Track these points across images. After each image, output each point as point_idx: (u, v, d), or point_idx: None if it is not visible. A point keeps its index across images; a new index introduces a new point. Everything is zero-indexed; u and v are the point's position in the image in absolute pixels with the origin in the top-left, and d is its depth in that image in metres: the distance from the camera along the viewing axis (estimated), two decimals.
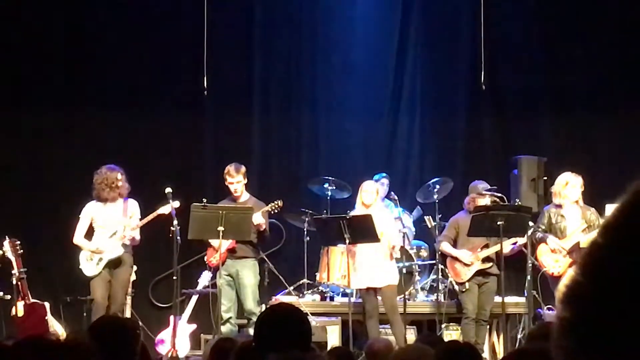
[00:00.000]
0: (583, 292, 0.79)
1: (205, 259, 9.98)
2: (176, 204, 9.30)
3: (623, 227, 0.79)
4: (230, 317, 9.53)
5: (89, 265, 9.38)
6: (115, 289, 9.36)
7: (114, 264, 9.38)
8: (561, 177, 9.57)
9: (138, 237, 9.47)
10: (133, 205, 9.54)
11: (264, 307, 9.55)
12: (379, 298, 9.48)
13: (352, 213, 9.49)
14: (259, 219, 9.41)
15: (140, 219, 9.46)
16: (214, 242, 9.43)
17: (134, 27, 11.52)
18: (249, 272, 9.56)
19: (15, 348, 1.84)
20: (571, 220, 9.48)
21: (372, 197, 9.55)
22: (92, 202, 9.51)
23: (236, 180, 9.62)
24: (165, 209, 9.32)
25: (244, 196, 9.75)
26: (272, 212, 9.73)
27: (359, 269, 9.38)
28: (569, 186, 9.46)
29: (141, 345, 4.04)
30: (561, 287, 0.83)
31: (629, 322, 0.74)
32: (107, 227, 9.42)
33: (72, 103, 11.39)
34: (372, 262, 9.35)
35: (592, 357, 0.76)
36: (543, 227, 9.53)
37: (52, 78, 11.38)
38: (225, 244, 9.46)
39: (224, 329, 9.41)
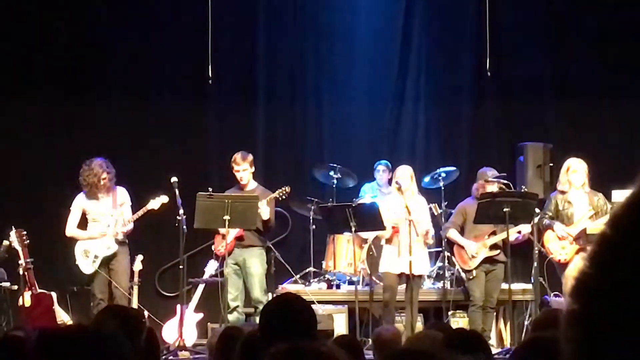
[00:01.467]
0: (592, 284, 0.78)
1: (212, 248, 9.98)
2: (164, 198, 9.33)
3: (632, 218, 0.78)
4: (237, 306, 9.53)
5: (85, 262, 9.42)
6: (117, 282, 9.36)
7: (110, 260, 9.40)
8: (565, 162, 9.57)
9: (131, 227, 9.48)
10: (122, 193, 9.55)
11: (270, 295, 9.56)
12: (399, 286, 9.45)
13: (385, 199, 9.50)
14: (263, 207, 9.39)
15: (131, 206, 9.49)
16: (221, 230, 9.43)
17: (138, 15, 11.50)
18: (256, 261, 9.56)
19: (40, 340, 1.82)
20: (578, 206, 9.46)
21: (407, 182, 9.48)
22: (82, 194, 9.56)
23: (242, 168, 9.61)
24: (155, 204, 9.34)
25: (251, 185, 9.74)
26: (280, 199, 9.72)
27: (401, 253, 9.28)
28: (570, 171, 9.45)
29: (150, 332, 4.04)
30: (570, 279, 0.82)
31: (637, 315, 0.73)
32: (99, 220, 9.46)
33: (77, 93, 11.38)
34: (413, 249, 9.25)
35: (601, 350, 0.75)
36: (550, 214, 9.52)
37: (58, 69, 11.37)
38: (232, 233, 9.46)
39: (231, 317, 9.42)
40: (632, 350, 0.73)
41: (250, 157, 9.71)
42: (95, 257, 9.36)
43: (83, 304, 9.83)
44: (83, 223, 9.58)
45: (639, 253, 0.75)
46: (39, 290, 9.56)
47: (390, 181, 10.43)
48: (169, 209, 9.40)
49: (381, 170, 10.80)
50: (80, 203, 9.56)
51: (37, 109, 11.33)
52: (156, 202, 9.35)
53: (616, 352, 0.74)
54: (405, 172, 9.55)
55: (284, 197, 9.70)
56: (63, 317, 9.56)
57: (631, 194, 0.80)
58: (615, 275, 0.76)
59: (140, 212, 9.43)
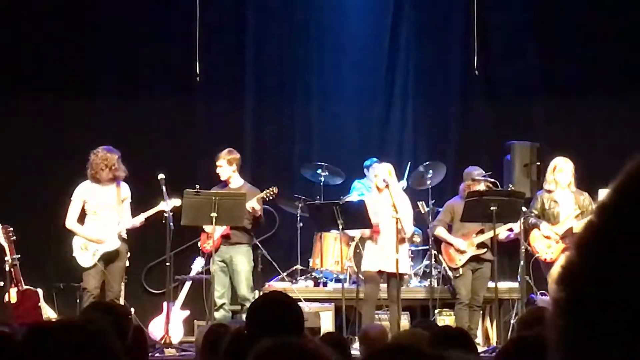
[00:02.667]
0: (578, 272, 0.79)
1: (199, 245, 9.97)
2: (177, 201, 9.24)
3: (618, 207, 0.79)
4: (224, 303, 9.53)
5: (84, 256, 9.22)
6: (112, 279, 9.21)
7: (109, 255, 9.25)
8: (552, 162, 9.59)
9: (138, 223, 9.36)
10: (125, 189, 9.42)
11: (257, 293, 9.57)
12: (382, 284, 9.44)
13: (365, 197, 9.49)
14: (255, 205, 9.39)
15: (131, 204, 9.41)
16: (207, 228, 9.41)
17: (127, 12, 11.48)
18: (242, 259, 9.56)
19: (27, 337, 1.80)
20: (564, 205, 9.49)
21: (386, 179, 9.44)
22: (85, 183, 9.32)
23: (219, 163, 9.62)
24: (166, 206, 9.22)
25: (238, 182, 9.73)
26: (267, 199, 9.71)
27: (381, 251, 9.28)
28: (557, 170, 9.47)
29: (137, 329, 4.03)
30: (557, 267, 0.83)
31: (624, 302, 0.73)
32: (99, 213, 9.31)
33: (63, 88, 11.34)
34: (393, 247, 9.22)
35: (587, 338, 0.76)
36: (536, 212, 9.54)
37: (43, 63, 11.33)
38: (219, 230, 9.45)
39: (218, 314, 9.41)
40: (618, 338, 0.74)
41: (232, 155, 9.62)
42: (96, 250, 9.20)
43: (69, 301, 9.80)
44: (81, 216, 9.36)
45: (625, 241, 0.75)
46: (25, 287, 9.53)
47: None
48: (155, 205, 9.37)
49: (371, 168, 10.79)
50: (81, 193, 9.30)
51: (25, 105, 11.29)
52: (169, 204, 9.23)
53: (602, 339, 0.75)
54: (383, 169, 9.52)
55: (270, 197, 9.69)
56: (49, 313, 9.54)
57: (616, 183, 0.81)
58: (602, 263, 0.76)
59: (150, 212, 9.28)
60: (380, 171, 9.47)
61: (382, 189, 9.37)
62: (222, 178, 9.65)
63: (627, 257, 0.75)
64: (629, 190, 0.79)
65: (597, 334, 0.75)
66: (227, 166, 9.61)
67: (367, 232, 9.40)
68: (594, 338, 0.75)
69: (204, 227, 9.53)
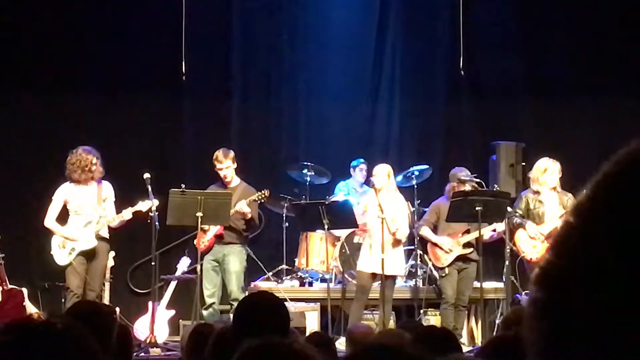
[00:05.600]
0: (555, 272, 0.79)
1: (194, 242, 9.88)
2: (156, 202, 9.19)
3: (595, 207, 0.79)
4: (213, 302, 9.51)
5: (61, 253, 9.17)
6: (91, 278, 9.16)
7: (88, 254, 9.19)
8: (539, 163, 9.58)
9: (127, 218, 9.25)
10: (107, 188, 9.36)
11: (245, 293, 9.56)
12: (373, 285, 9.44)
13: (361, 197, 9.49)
14: (244, 207, 9.36)
15: (115, 202, 9.36)
16: (204, 225, 9.36)
17: (113, 10, 11.45)
18: (235, 258, 9.53)
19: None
20: (549, 206, 9.51)
21: (384, 180, 9.39)
22: (66, 184, 9.29)
23: (225, 165, 9.56)
24: (144, 206, 9.19)
25: (235, 181, 9.70)
26: (259, 202, 9.68)
27: (374, 253, 9.28)
28: (547, 172, 9.48)
29: (122, 329, 4.02)
30: (535, 268, 0.83)
31: (601, 303, 0.74)
32: (81, 213, 9.25)
33: (48, 86, 11.30)
34: (386, 248, 9.17)
35: (564, 339, 0.76)
36: (520, 212, 9.56)
37: (27, 61, 11.29)
38: (212, 230, 9.44)
39: (206, 313, 9.40)
40: (593, 338, 0.74)
41: (232, 153, 9.64)
42: (72, 249, 9.17)
43: (54, 300, 9.77)
44: (63, 216, 9.30)
45: (601, 241, 0.76)
46: (10, 286, 9.49)
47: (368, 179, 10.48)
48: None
49: (364, 168, 10.78)
50: (63, 193, 9.26)
51: (9, 104, 11.24)
52: (146, 204, 9.18)
53: (579, 341, 0.75)
54: (382, 170, 9.50)
55: (262, 200, 9.67)
56: (34, 313, 9.50)
57: (593, 183, 0.81)
58: (578, 263, 0.76)
59: (130, 212, 9.16)
60: (379, 172, 9.44)
61: (379, 189, 9.34)
62: (228, 179, 9.61)
63: (603, 258, 0.75)
64: (605, 191, 0.79)
65: (574, 335, 0.75)
66: (232, 165, 9.59)
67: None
68: (570, 339, 0.75)
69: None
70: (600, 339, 0.74)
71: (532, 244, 9.48)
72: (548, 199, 9.52)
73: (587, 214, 0.79)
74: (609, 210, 0.77)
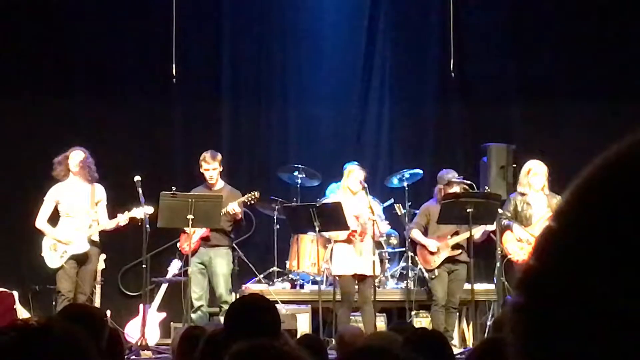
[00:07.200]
0: (537, 277, 0.79)
1: (177, 246, 9.93)
2: (150, 209, 9.18)
3: (576, 212, 0.79)
4: (201, 305, 9.50)
5: (52, 256, 9.16)
6: (82, 282, 9.17)
7: (79, 258, 9.19)
8: (525, 164, 9.62)
9: (122, 224, 9.22)
10: (100, 191, 9.37)
11: (235, 295, 9.55)
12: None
13: (334, 199, 9.46)
14: (235, 207, 9.37)
15: (107, 205, 9.35)
16: (188, 229, 9.36)
17: (103, 13, 11.44)
18: (222, 261, 9.53)
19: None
20: (537, 208, 9.53)
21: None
22: (57, 185, 9.28)
23: (212, 167, 9.58)
24: (138, 213, 9.17)
25: (219, 184, 9.71)
26: (249, 203, 9.69)
27: (364, 254, 9.29)
28: (531, 174, 9.50)
29: (113, 332, 4.02)
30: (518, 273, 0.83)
31: (582, 308, 0.74)
32: (72, 215, 9.23)
33: (41, 89, 11.28)
34: (369, 248, 9.23)
35: (546, 343, 0.76)
36: (509, 214, 9.57)
37: (19, 63, 11.27)
38: (198, 232, 9.44)
39: (195, 316, 9.39)
40: (574, 343, 0.75)
41: (219, 156, 9.66)
42: (64, 252, 9.15)
43: (45, 303, 9.74)
44: (54, 218, 9.29)
45: (582, 246, 0.76)
46: (0, 289, 9.47)
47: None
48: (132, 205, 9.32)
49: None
50: (55, 194, 9.25)
51: None
52: (139, 212, 9.16)
53: (560, 345, 0.75)
54: (361, 174, 9.52)
55: (252, 202, 9.67)
56: (25, 316, 9.47)
57: (574, 187, 0.81)
58: (559, 268, 0.77)
59: (123, 219, 9.16)
60: (360, 175, 9.46)
61: (356, 192, 9.38)
62: (213, 181, 9.62)
63: (585, 263, 0.75)
64: (587, 195, 0.79)
65: (555, 339, 0.76)
66: (219, 168, 9.61)
67: (341, 235, 9.36)
68: (551, 344, 0.76)
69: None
70: (579, 344, 0.74)
71: (520, 246, 9.49)
72: (536, 201, 9.53)
73: (566, 219, 0.79)
74: (587, 215, 0.77)
